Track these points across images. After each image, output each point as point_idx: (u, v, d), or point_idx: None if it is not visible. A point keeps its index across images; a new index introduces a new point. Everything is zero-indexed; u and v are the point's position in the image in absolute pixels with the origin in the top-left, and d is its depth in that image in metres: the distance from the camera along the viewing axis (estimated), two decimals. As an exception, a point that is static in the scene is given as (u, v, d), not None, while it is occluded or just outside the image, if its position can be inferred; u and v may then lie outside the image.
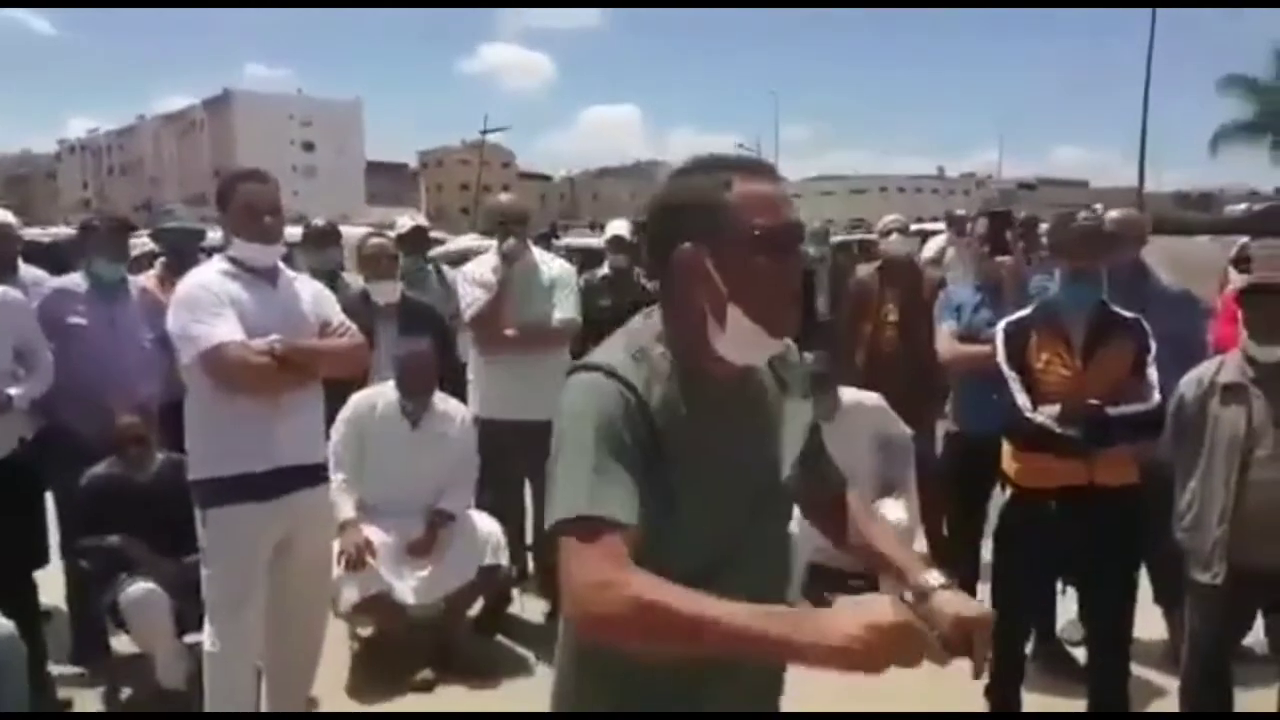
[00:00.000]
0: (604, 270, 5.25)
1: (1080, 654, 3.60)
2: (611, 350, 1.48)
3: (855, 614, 1.23)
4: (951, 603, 1.47)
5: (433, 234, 7.38)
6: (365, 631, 4.25)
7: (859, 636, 1.20)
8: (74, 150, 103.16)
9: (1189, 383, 3.15)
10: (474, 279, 4.44)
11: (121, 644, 3.91)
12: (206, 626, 3.11)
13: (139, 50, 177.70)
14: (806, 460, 1.65)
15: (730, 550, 1.50)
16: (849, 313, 5.30)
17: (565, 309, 4.42)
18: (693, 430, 1.45)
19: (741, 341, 1.45)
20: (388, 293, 4.62)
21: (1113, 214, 3.87)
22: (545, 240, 6.04)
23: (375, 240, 4.84)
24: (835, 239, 10.04)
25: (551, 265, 4.56)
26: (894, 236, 5.26)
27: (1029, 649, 3.61)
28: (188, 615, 3.52)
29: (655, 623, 1.26)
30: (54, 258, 5.61)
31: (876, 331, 5.03)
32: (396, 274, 4.70)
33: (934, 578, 1.51)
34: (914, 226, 6.74)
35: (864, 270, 5.51)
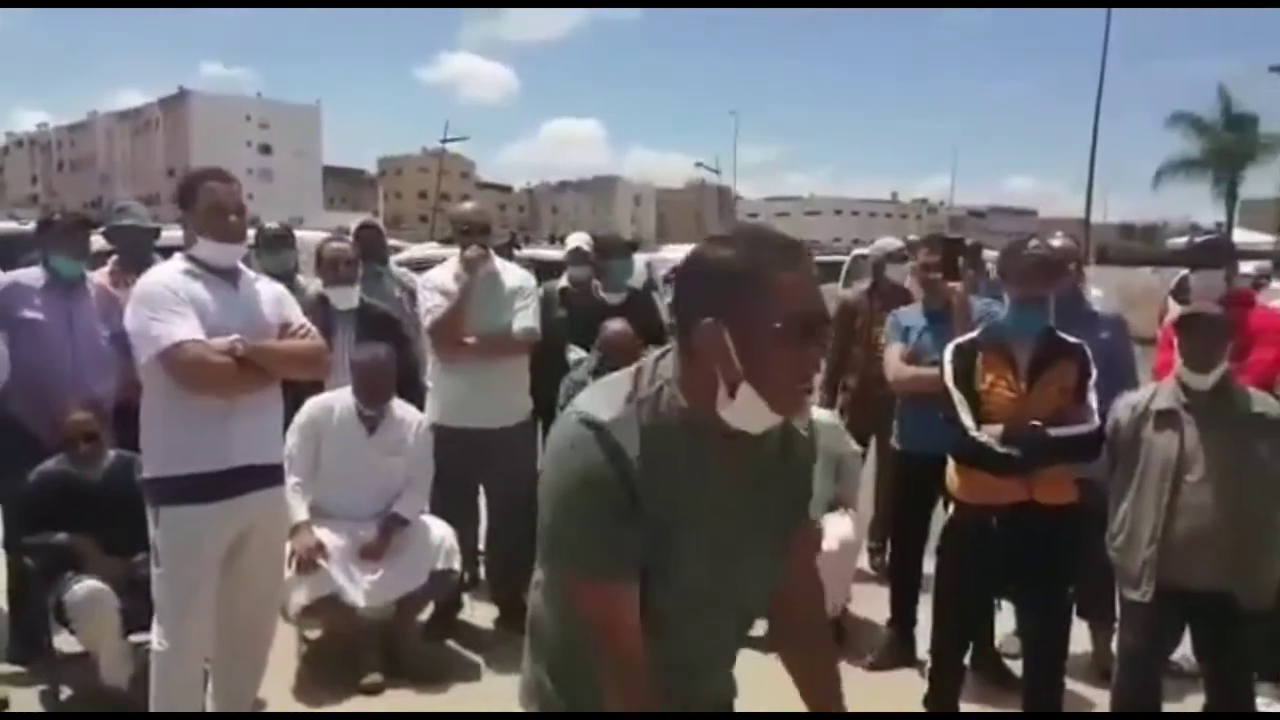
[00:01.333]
0: (563, 282, 5.30)
1: (1017, 667, 3.71)
2: (613, 397, 1.51)
3: None
4: None
5: (392, 241, 7.38)
6: (313, 634, 4.24)
7: None
8: (21, 144, 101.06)
9: (1125, 408, 3.27)
10: (435, 286, 4.46)
11: (64, 642, 3.86)
12: (155, 625, 3.09)
13: (91, 44, 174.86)
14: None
15: (713, 593, 1.57)
16: (835, 334, 5.37)
17: (525, 319, 4.46)
18: (684, 481, 1.50)
19: (747, 414, 1.47)
20: (347, 298, 4.63)
21: (1054, 242, 4.01)
22: (508, 250, 6.05)
23: (335, 245, 4.84)
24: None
25: (513, 275, 4.60)
26: (890, 267, 5.30)
27: (968, 660, 3.71)
28: (134, 615, 3.49)
29: (615, 687, 1.52)
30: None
31: (870, 354, 5.07)
32: (356, 279, 4.70)
33: None
34: (859, 250, 6.83)
35: (849, 293, 5.57)
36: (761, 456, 1.58)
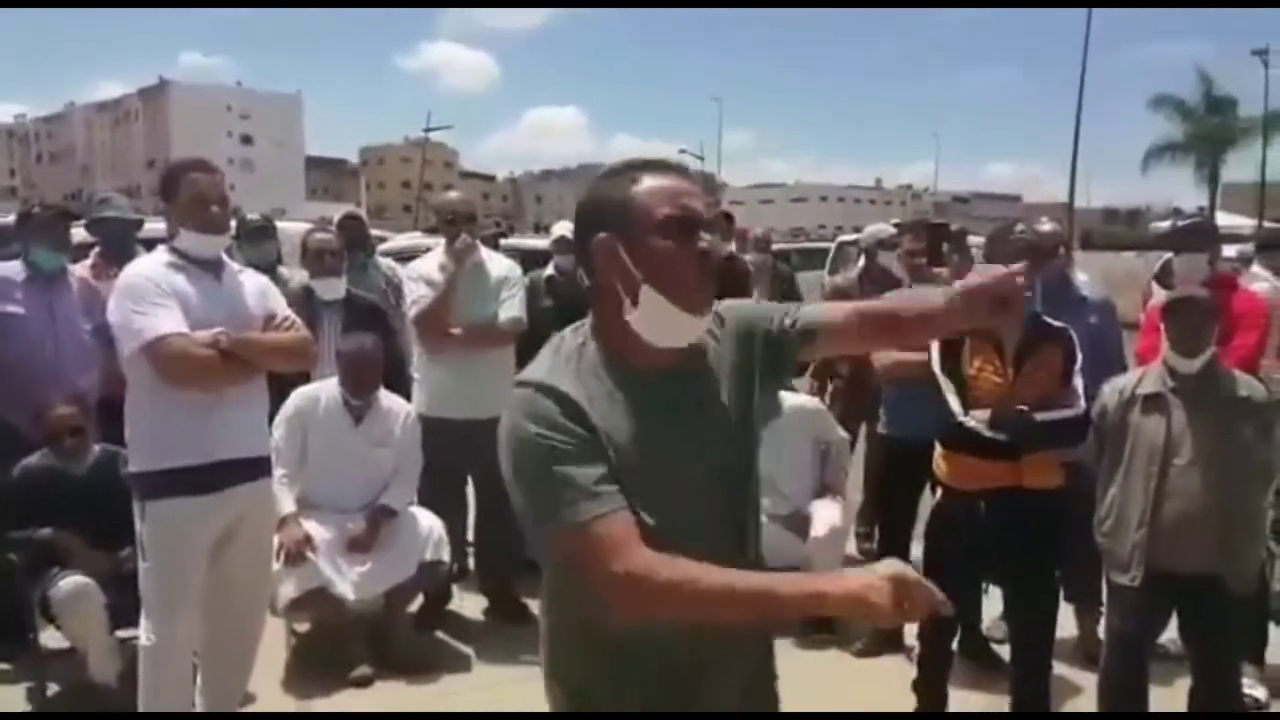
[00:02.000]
0: (548, 271, 5.28)
1: (1005, 651, 3.73)
2: (540, 361, 1.60)
3: (874, 568, 1.40)
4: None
5: (376, 231, 7.34)
6: (302, 627, 4.23)
7: (878, 587, 1.36)
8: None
9: (1111, 392, 3.29)
10: (421, 276, 4.44)
11: (50, 639, 3.83)
12: (143, 620, 3.07)
13: (67, 35, 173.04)
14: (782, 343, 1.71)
15: (683, 528, 1.55)
16: None
17: (511, 308, 4.44)
18: (629, 418, 1.53)
19: (657, 320, 1.54)
20: (333, 288, 4.60)
21: (1043, 228, 4.02)
22: (494, 241, 6.03)
23: (320, 235, 4.81)
24: (776, 246, 10.19)
25: (498, 264, 4.58)
26: (882, 253, 5.30)
27: (955, 643, 3.73)
28: (121, 610, 3.47)
29: (687, 597, 1.42)
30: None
31: None
32: (342, 269, 4.68)
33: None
34: (844, 237, 6.85)
35: (841, 279, 5.57)
36: (702, 380, 1.62)
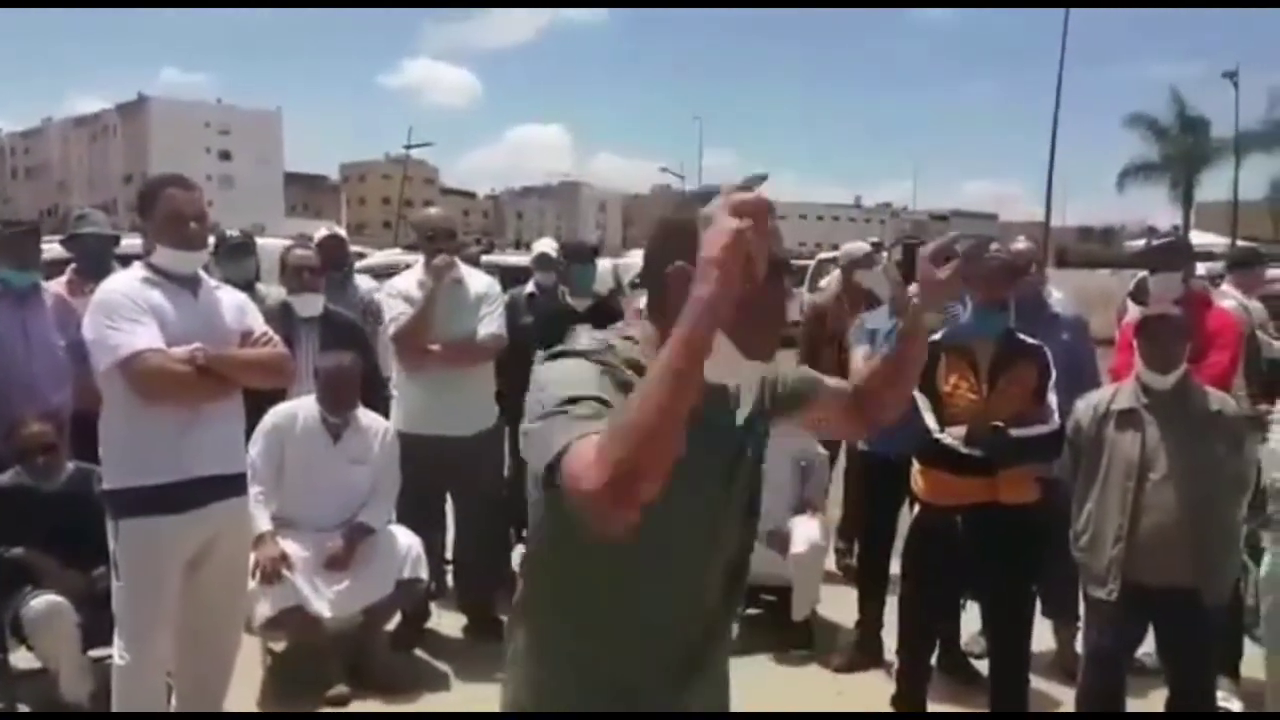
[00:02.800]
0: (529, 288, 5.28)
1: (983, 666, 3.74)
2: (579, 339, 1.57)
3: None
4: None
5: (356, 248, 7.33)
6: (278, 645, 4.19)
7: (713, 258, 1.25)
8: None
9: (1086, 408, 3.32)
10: (400, 293, 4.43)
11: (21, 659, 3.78)
12: (116, 639, 3.04)
13: (45, 50, 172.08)
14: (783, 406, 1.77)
15: (693, 545, 1.58)
16: (805, 335, 5.40)
17: (490, 324, 4.44)
18: None
19: (718, 361, 1.46)
20: (310, 305, 4.58)
21: (1016, 246, 4.07)
22: (476, 258, 6.02)
23: (299, 252, 4.79)
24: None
25: (478, 281, 4.58)
26: (859, 271, 5.33)
27: (934, 660, 3.74)
28: (94, 629, 3.44)
29: (626, 448, 1.28)
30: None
31: (840, 356, 5.08)
32: (320, 286, 4.66)
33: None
34: (823, 254, 6.89)
35: (819, 296, 5.58)
36: (724, 415, 1.62)
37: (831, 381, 1.91)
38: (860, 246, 5.63)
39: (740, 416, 1.64)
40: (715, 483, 1.61)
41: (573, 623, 1.63)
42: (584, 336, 1.60)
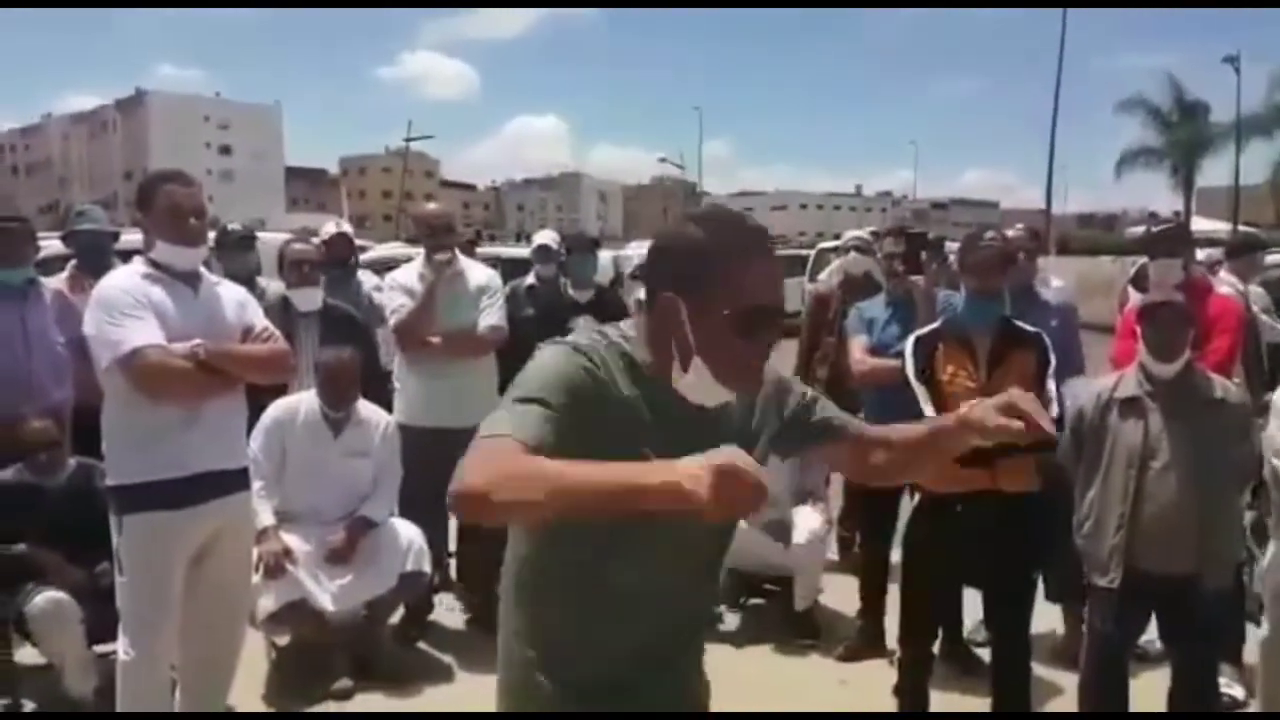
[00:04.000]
0: (529, 280, 5.28)
1: (986, 654, 3.75)
2: (583, 333, 1.59)
3: (701, 458, 1.27)
4: (990, 401, 1.64)
5: (357, 241, 7.29)
6: (282, 640, 4.20)
7: (698, 475, 1.24)
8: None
9: (1089, 396, 3.31)
10: (400, 286, 4.43)
11: (25, 655, 3.79)
12: (120, 635, 3.05)
13: (44, 46, 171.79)
14: (796, 435, 1.73)
15: (673, 554, 1.58)
16: (807, 324, 5.40)
17: (491, 316, 4.44)
18: (638, 416, 1.52)
19: (698, 387, 1.52)
20: (310, 299, 4.58)
21: (1010, 234, 4.06)
22: (470, 247, 6.01)
23: (298, 246, 4.79)
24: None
25: (478, 273, 4.58)
26: (852, 255, 5.33)
27: (936, 648, 3.74)
28: (98, 625, 3.45)
29: (516, 483, 1.30)
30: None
31: (841, 344, 5.08)
32: (320, 280, 4.65)
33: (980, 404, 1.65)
34: (825, 244, 6.88)
35: (820, 285, 5.58)
36: (719, 423, 1.58)
37: (869, 433, 1.80)
38: (855, 234, 5.65)
39: (726, 419, 1.62)
40: None
41: (555, 611, 1.63)
42: (584, 332, 1.61)
